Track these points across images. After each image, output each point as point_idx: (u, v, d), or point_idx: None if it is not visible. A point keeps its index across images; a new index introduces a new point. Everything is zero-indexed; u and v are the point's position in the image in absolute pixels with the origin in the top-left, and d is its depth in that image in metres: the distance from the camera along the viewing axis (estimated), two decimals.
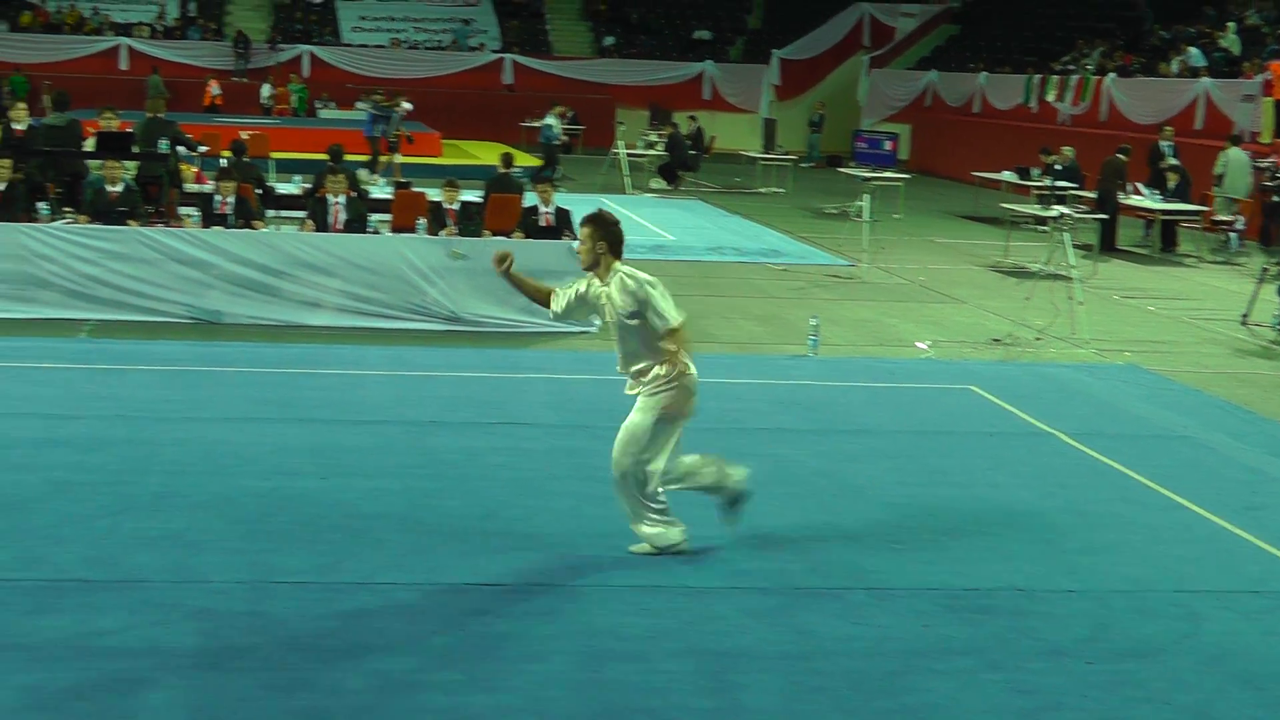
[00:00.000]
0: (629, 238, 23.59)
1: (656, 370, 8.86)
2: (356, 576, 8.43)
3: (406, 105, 34.13)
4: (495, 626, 7.80)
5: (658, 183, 34.98)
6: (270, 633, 7.55)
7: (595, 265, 9.05)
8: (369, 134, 32.38)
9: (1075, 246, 18.81)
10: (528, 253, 16.26)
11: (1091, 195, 26.45)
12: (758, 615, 8.21)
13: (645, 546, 9.05)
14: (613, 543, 9.24)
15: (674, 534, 9.05)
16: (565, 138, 36.64)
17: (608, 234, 9.01)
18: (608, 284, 8.96)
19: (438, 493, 10.13)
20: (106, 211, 16.37)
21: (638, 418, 8.90)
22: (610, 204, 30.07)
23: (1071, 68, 39.76)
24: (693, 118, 38.92)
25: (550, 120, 36.73)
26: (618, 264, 8.99)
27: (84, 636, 7.39)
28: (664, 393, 8.85)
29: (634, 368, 9.01)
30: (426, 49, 50.76)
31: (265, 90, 44.44)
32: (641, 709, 6.94)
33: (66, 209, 17.40)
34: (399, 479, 10.42)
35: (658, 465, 8.91)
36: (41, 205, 16.74)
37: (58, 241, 15.65)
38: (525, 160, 33.16)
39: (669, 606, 8.24)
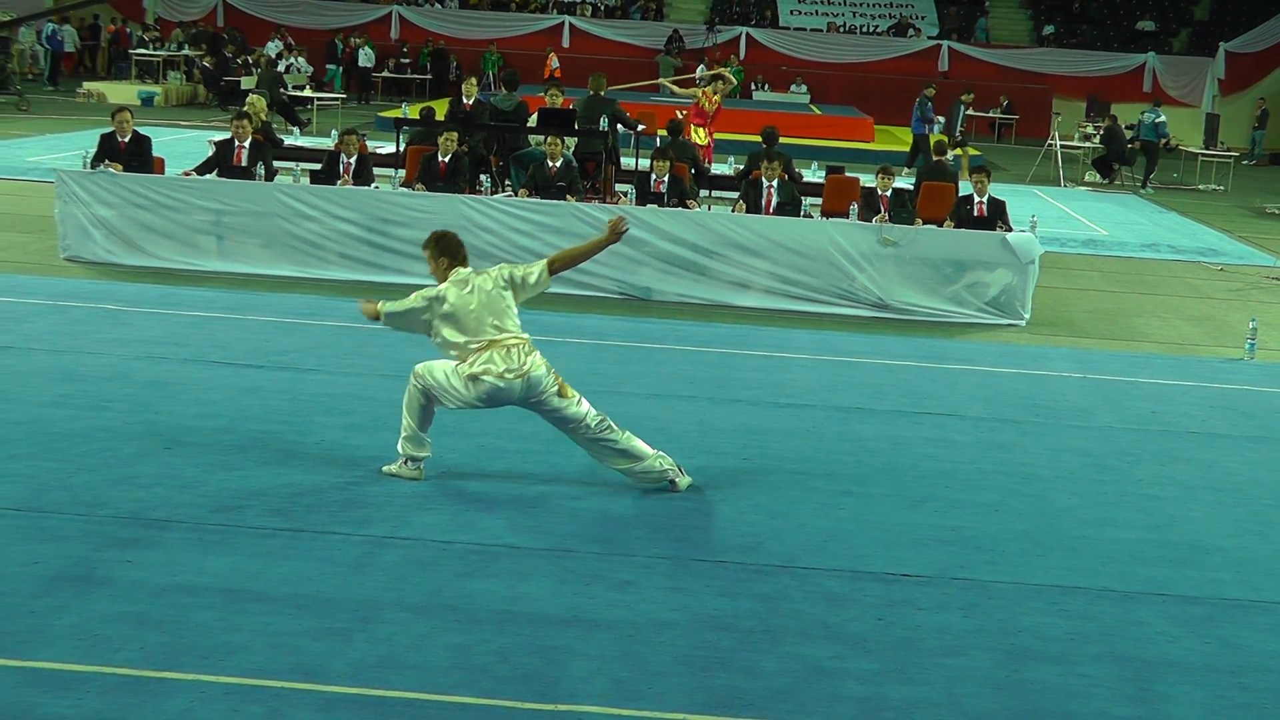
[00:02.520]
0: (1061, 231, 23.16)
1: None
2: (777, 559, 8.42)
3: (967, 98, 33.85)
4: (913, 618, 7.70)
5: (1092, 176, 34.05)
6: (690, 610, 7.60)
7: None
8: (917, 131, 32.19)
9: None
10: (959, 242, 16.10)
11: None
12: (1184, 624, 7.90)
13: (394, 467, 9.54)
14: (1036, 539, 9.06)
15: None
16: (1171, 136, 34.40)
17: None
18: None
19: (862, 480, 10.07)
20: (545, 186, 16.81)
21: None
22: (1043, 196, 29.52)
23: None
24: (1144, 113, 37.61)
25: (1164, 116, 34.28)
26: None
27: (511, 602, 7.57)
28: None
29: None
30: (863, 34, 50.59)
31: (700, 71, 45.02)
32: (1061, 712, 6.75)
33: (508, 182, 17.94)
34: (823, 464, 10.40)
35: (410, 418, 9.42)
36: (484, 178, 17.28)
37: (497, 214, 16.14)
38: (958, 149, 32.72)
39: (1090, 609, 8.00)
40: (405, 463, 9.48)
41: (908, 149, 33.18)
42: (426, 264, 9.66)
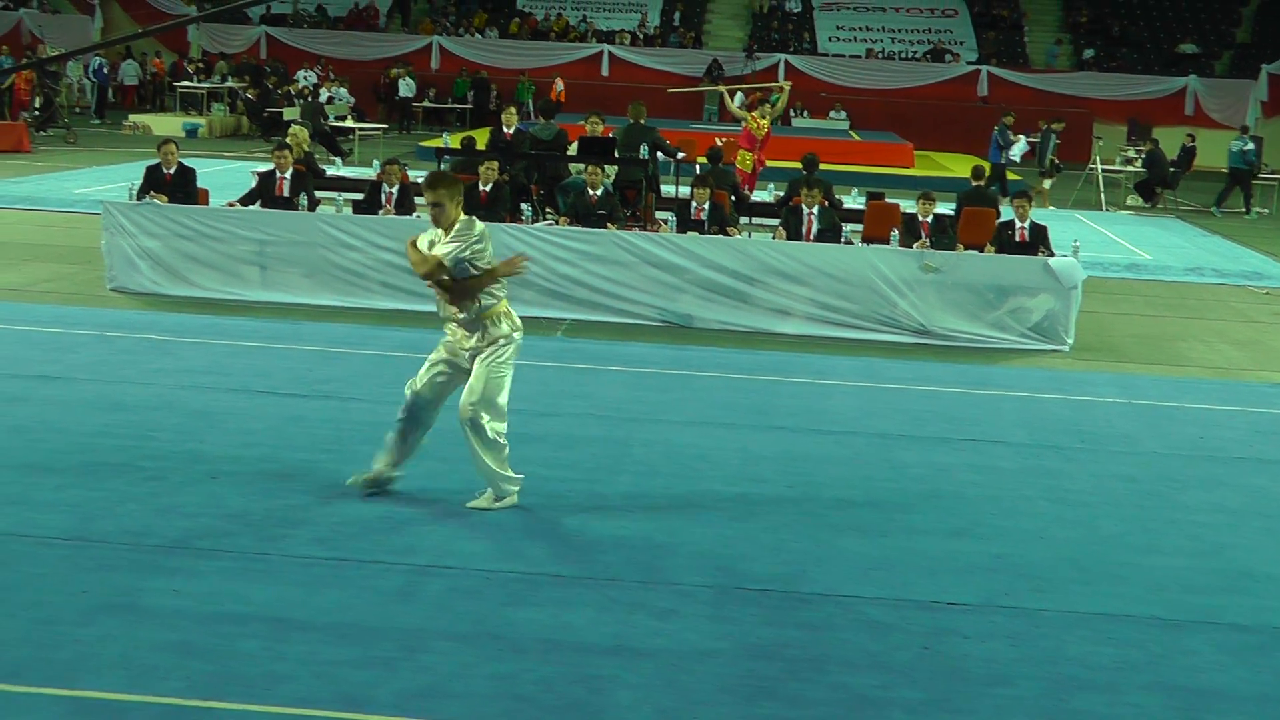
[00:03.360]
0: (1104, 255, 23.02)
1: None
2: (821, 588, 8.40)
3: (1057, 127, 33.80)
4: (960, 647, 7.66)
5: (1134, 200, 33.93)
6: (734, 639, 7.58)
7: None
8: (994, 159, 32.12)
9: None
10: (1001, 268, 16.05)
11: None
12: (1234, 653, 7.83)
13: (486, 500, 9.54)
14: (1083, 567, 9.00)
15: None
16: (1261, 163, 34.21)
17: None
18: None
19: (905, 507, 10.03)
20: (586, 214, 16.84)
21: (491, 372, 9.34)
22: (1085, 221, 29.41)
23: None
24: (1190, 135, 37.45)
25: (1251, 144, 33.97)
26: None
27: (554, 630, 7.56)
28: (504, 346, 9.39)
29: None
30: (901, 60, 50.58)
31: (738, 98, 45.02)
32: None
33: (549, 210, 17.98)
34: (866, 492, 10.37)
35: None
36: (525, 206, 17.33)
37: (538, 242, 16.16)
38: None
39: (1138, 638, 7.94)
40: (497, 499, 9.52)
41: (948, 174, 33.12)
42: (436, 209, 9.25)
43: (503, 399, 9.37)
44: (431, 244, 9.32)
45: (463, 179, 17.65)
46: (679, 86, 43.20)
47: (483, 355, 9.33)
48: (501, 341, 9.35)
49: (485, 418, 9.29)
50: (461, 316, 9.34)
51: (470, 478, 9.65)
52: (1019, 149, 32.39)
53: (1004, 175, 30.96)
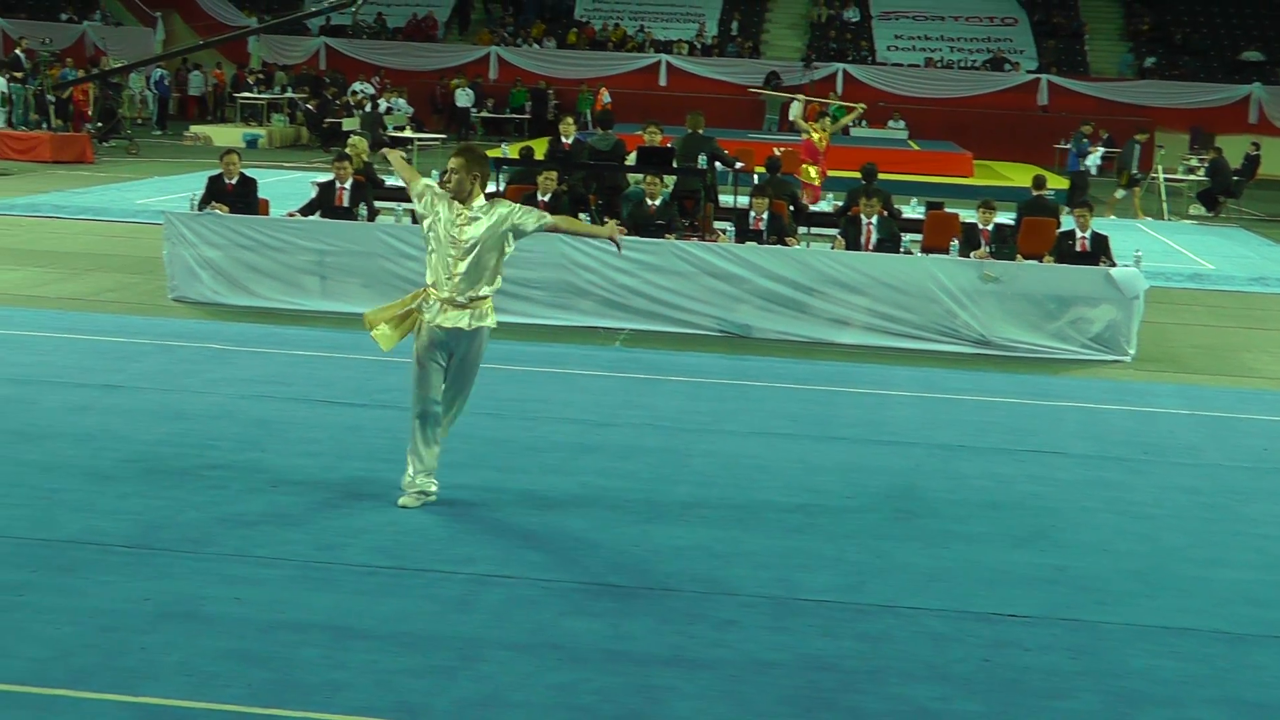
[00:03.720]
0: (1166, 265, 22.86)
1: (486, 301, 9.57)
2: (880, 599, 8.36)
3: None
4: (1020, 659, 7.61)
5: (1197, 209, 33.68)
6: (793, 650, 7.56)
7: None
8: (1073, 168, 31.93)
9: None
10: (1062, 278, 15.96)
11: None
12: None
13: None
14: (1146, 579, 8.94)
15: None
16: None
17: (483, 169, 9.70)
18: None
19: (964, 519, 9.97)
20: (645, 224, 16.84)
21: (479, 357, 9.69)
22: (1147, 230, 29.22)
23: None
24: (1255, 144, 37.16)
25: None
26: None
27: (613, 641, 7.56)
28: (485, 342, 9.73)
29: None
30: (960, 69, 50.37)
31: (795, 108, 44.97)
32: None
33: (606, 220, 18.00)
34: (925, 503, 10.32)
35: None
36: (583, 217, 17.35)
37: (597, 252, 16.17)
38: (1057, 183, 32.45)
39: (1203, 651, 7.86)
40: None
41: (1008, 184, 33.00)
42: (455, 175, 9.53)
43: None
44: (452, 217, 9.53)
45: (521, 189, 17.84)
46: (736, 95, 43.30)
47: (470, 356, 9.64)
48: (485, 335, 9.62)
49: (462, 413, 9.88)
50: (461, 299, 9.44)
51: (530, 486, 9.67)
52: (1095, 159, 32.20)
53: (1084, 182, 30.79)
